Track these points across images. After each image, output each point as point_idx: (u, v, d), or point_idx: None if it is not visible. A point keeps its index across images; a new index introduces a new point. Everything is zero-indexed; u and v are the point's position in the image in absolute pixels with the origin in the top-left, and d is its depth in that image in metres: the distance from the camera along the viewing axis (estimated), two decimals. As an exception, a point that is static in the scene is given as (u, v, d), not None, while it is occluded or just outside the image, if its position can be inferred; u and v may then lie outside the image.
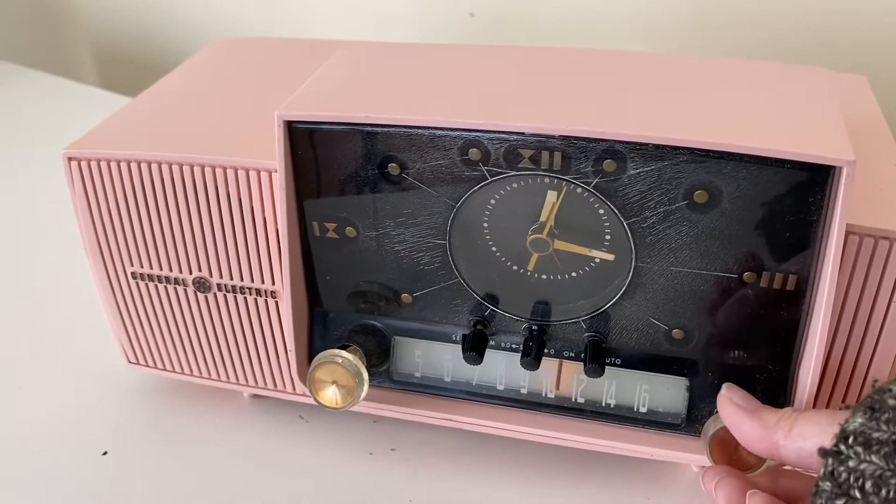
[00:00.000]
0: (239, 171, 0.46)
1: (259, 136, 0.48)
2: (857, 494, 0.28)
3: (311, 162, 0.44)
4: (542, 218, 0.43)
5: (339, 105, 0.43)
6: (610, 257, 0.44)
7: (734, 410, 0.39)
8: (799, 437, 0.35)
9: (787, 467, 0.41)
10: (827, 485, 0.30)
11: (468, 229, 0.45)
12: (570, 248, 0.44)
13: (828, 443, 0.31)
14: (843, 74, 0.54)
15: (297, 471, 0.53)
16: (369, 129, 0.42)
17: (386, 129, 0.42)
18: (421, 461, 0.53)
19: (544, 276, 0.46)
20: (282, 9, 1.07)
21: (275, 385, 0.54)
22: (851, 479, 0.29)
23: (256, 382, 0.55)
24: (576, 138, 0.39)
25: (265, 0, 1.08)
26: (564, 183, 0.42)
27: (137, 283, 0.52)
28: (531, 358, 0.45)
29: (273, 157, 0.45)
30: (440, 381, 0.50)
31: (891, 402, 0.30)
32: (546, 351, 0.47)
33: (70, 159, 0.49)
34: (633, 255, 0.42)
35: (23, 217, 0.84)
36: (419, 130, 0.41)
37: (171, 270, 0.51)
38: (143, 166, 0.47)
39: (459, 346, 0.49)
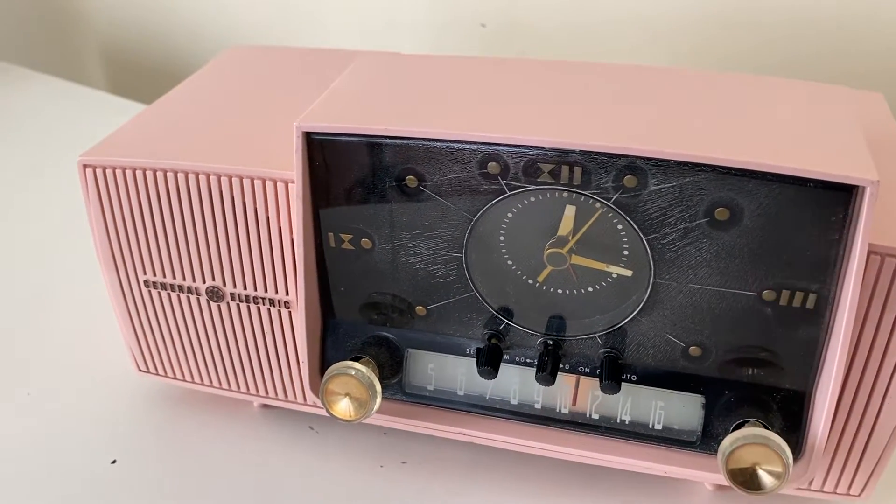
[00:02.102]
0: (255, 181, 0.46)
1: (275, 145, 0.48)
2: None
3: (328, 173, 0.44)
4: (560, 232, 0.43)
5: (359, 117, 0.42)
6: (628, 273, 0.43)
7: None
8: None
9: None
10: None
11: (484, 242, 0.44)
12: (587, 263, 0.44)
13: None
14: (860, 92, 0.54)
15: (307, 482, 0.53)
16: (388, 141, 0.42)
17: (405, 142, 0.42)
18: (432, 475, 0.53)
19: (559, 291, 0.45)
20: (292, 15, 1.07)
21: (286, 395, 0.54)
22: None
23: (267, 392, 0.54)
24: (596, 153, 0.39)
25: (275, 6, 1.08)
26: (583, 198, 0.41)
27: (150, 292, 0.52)
28: (546, 373, 0.45)
29: (289, 167, 0.45)
30: (453, 394, 0.50)
31: None
32: (561, 366, 0.46)
33: (85, 166, 0.48)
34: (652, 272, 0.42)
35: (32, 222, 0.83)
36: (438, 143, 0.41)
37: (184, 279, 0.51)
38: (159, 175, 0.47)
39: (473, 360, 0.48)
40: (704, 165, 0.38)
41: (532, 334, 0.47)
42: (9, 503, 0.52)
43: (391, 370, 0.50)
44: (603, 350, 0.46)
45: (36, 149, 0.99)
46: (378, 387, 0.47)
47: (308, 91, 0.55)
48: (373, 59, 0.50)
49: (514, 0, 0.92)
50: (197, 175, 0.47)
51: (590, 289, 0.45)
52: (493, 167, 0.41)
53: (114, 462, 0.54)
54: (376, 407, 0.48)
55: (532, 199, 0.42)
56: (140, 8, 1.22)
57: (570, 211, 0.42)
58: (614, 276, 0.44)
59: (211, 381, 0.55)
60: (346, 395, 0.48)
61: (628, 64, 0.48)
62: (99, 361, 0.62)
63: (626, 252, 0.43)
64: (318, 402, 0.52)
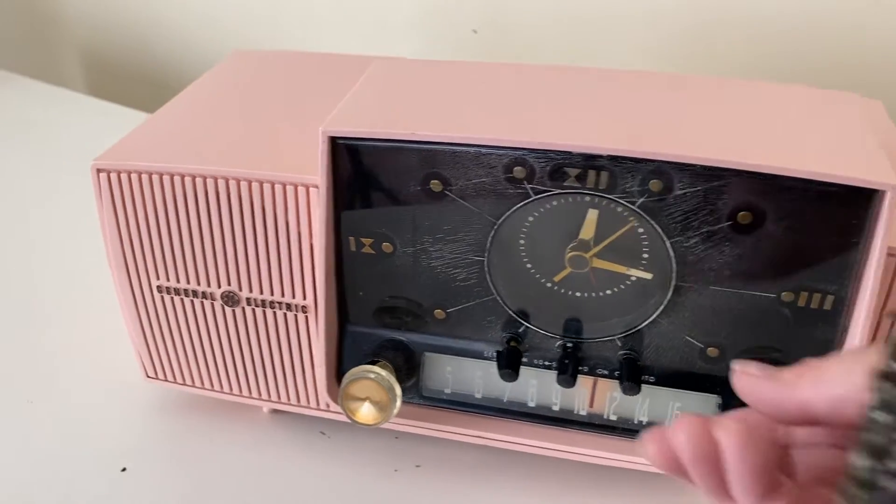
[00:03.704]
0: (276, 186, 0.46)
1: (292, 150, 0.48)
2: None
3: (352, 177, 0.44)
4: (582, 236, 0.44)
5: (384, 121, 0.43)
6: (647, 276, 0.44)
7: (750, 380, 0.32)
8: (829, 383, 0.29)
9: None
10: (881, 415, 0.24)
11: (505, 246, 0.45)
12: (608, 266, 0.44)
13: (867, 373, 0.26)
14: (864, 98, 0.55)
15: (320, 488, 0.53)
16: (414, 145, 0.42)
17: (431, 147, 0.42)
18: (447, 478, 0.53)
19: (578, 294, 0.46)
20: (281, 19, 1.07)
21: (298, 400, 0.54)
22: None
23: (279, 397, 0.54)
24: (623, 158, 0.40)
25: (263, 11, 1.07)
26: (606, 202, 0.42)
27: (162, 297, 0.51)
28: (567, 375, 0.46)
29: (309, 171, 0.45)
30: (471, 397, 0.50)
31: None
32: (580, 368, 0.47)
33: (99, 171, 0.48)
34: (674, 275, 0.43)
35: (19, 224, 0.82)
36: (464, 148, 0.42)
37: (198, 284, 0.50)
38: (176, 179, 0.47)
39: (490, 363, 0.49)
40: (730, 170, 0.39)
41: (550, 337, 0.47)
42: (20, 513, 0.51)
43: (406, 374, 0.50)
44: (622, 352, 0.46)
45: (16, 150, 0.98)
46: (398, 390, 0.48)
47: (320, 96, 0.55)
48: (389, 64, 0.50)
49: (505, 6, 0.92)
50: (216, 179, 0.46)
51: (608, 291, 0.45)
52: (518, 172, 0.42)
53: (123, 470, 0.54)
54: (396, 410, 0.48)
55: (554, 202, 0.43)
56: (119, 10, 1.20)
57: (592, 215, 0.43)
58: (633, 278, 0.45)
59: (221, 387, 0.55)
60: (366, 399, 0.48)
61: (645, 70, 0.48)
62: (104, 368, 0.61)
63: (645, 255, 0.44)
64: (333, 406, 0.52)
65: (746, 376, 0.33)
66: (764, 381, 0.32)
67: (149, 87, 1.23)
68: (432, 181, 0.43)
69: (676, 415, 0.48)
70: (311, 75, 0.59)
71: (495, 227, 0.44)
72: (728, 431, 0.29)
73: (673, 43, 0.84)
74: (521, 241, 0.45)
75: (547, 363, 0.48)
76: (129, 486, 0.53)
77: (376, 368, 0.48)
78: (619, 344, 0.46)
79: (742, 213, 0.40)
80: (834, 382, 0.29)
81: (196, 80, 0.59)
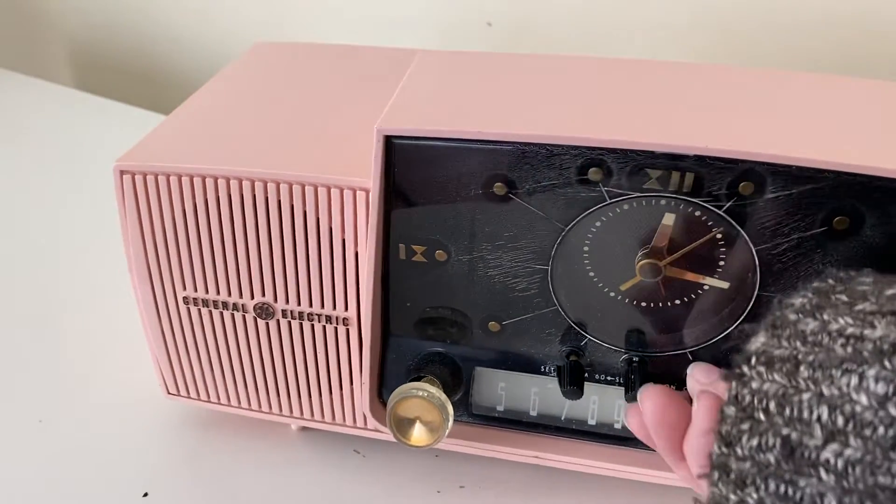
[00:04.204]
0: (319, 189, 0.42)
1: (331, 149, 0.44)
2: (762, 416, 0.26)
3: (407, 180, 0.40)
4: (656, 243, 0.40)
5: (445, 118, 0.39)
6: (724, 285, 0.41)
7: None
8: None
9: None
10: (731, 410, 0.28)
11: (570, 253, 0.41)
12: (681, 274, 0.41)
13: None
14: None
15: (358, 511, 0.49)
16: (479, 145, 0.38)
17: (497, 146, 0.38)
18: (495, 500, 0.50)
19: (644, 304, 0.43)
20: (283, 11, 1.02)
21: (333, 417, 0.50)
22: (755, 401, 0.27)
23: (313, 415, 0.50)
24: (713, 158, 0.36)
25: (258, 3, 1.03)
26: (683, 205, 0.39)
27: (189, 309, 0.47)
28: (637, 392, 0.42)
29: (355, 173, 0.42)
30: (525, 415, 0.47)
31: (791, 316, 0.28)
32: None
33: (122, 172, 0.44)
34: (757, 284, 0.40)
35: (17, 224, 0.77)
36: (534, 147, 0.38)
37: (229, 295, 0.46)
38: (208, 181, 0.43)
39: (547, 378, 0.45)
40: (828, 172, 0.36)
41: (615, 350, 0.44)
42: (35, 546, 0.47)
43: (451, 390, 0.47)
44: (695, 367, 0.43)
45: (3, 147, 0.93)
46: (450, 408, 0.44)
47: (356, 90, 0.51)
48: (436, 57, 0.46)
49: (520, -2, 0.89)
50: (252, 182, 0.42)
51: (676, 301, 0.42)
52: (594, 173, 0.38)
53: (145, 495, 0.50)
54: (448, 430, 0.44)
55: (625, 206, 0.40)
56: (107, 2, 1.15)
57: (668, 219, 0.40)
58: (706, 287, 0.41)
59: (250, 404, 0.51)
60: (416, 418, 0.44)
61: (708, 64, 0.45)
62: (121, 385, 0.57)
63: (721, 263, 0.40)
64: (369, 423, 0.48)
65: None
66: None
67: (138, 81, 1.18)
68: (496, 184, 0.39)
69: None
70: (340, 68, 0.55)
71: (563, 233, 0.40)
72: (702, 397, 0.33)
73: (693, 34, 0.81)
74: (586, 248, 0.41)
75: (610, 378, 0.45)
76: (152, 513, 0.49)
77: (426, 385, 0.44)
78: (691, 358, 0.43)
79: (838, 218, 0.37)
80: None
81: (216, 73, 0.55)
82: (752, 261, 0.39)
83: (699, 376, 0.38)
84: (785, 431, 0.25)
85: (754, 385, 0.27)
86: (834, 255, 0.38)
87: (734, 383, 0.28)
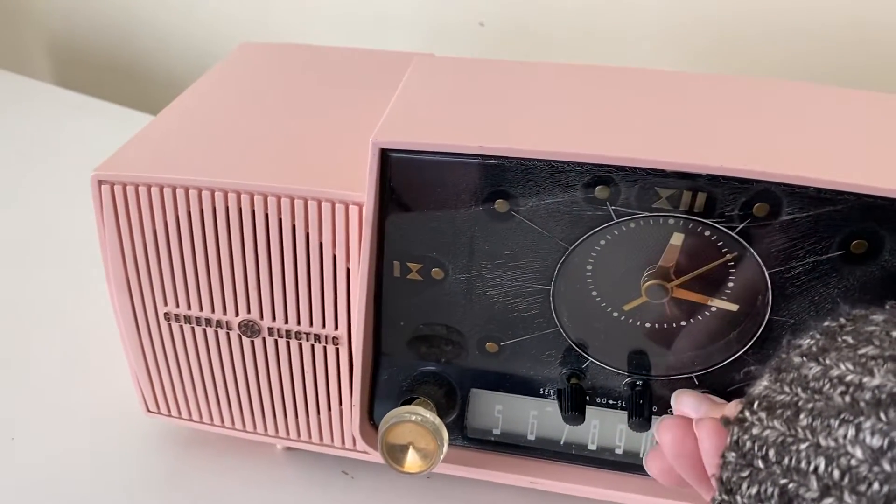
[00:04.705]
0: (309, 202, 0.40)
1: (322, 160, 0.42)
2: (761, 464, 0.26)
3: (403, 194, 0.38)
4: (663, 263, 0.38)
5: (445, 131, 0.37)
6: (732, 307, 0.39)
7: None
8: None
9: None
10: (732, 455, 0.27)
11: (573, 273, 0.40)
12: (689, 296, 0.39)
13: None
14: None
15: (348, 536, 0.47)
16: (480, 160, 0.36)
17: (500, 161, 0.36)
18: (488, 524, 0.48)
19: (648, 325, 0.41)
20: (270, 7, 1.00)
21: (320, 438, 0.48)
22: (755, 448, 0.26)
23: (299, 435, 0.48)
24: (726, 178, 0.35)
25: (245, 1, 1.00)
26: (696, 225, 0.37)
27: (170, 325, 0.45)
28: (642, 418, 0.41)
29: (346, 185, 0.40)
30: (522, 438, 0.45)
31: (796, 360, 0.27)
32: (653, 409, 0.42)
33: (101, 182, 0.41)
34: (769, 308, 0.38)
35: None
36: (539, 163, 0.36)
37: (212, 312, 0.44)
38: (192, 193, 0.41)
39: (546, 401, 0.44)
40: (849, 193, 0.34)
41: (618, 373, 0.42)
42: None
43: (446, 411, 0.45)
44: (700, 391, 0.41)
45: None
46: (445, 434, 0.42)
47: (348, 96, 0.49)
48: (433, 63, 0.44)
49: (514, -2, 0.87)
50: (238, 194, 0.40)
51: (682, 323, 0.40)
52: (601, 191, 0.36)
53: (123, 518, 0.47)
54: (443, 456, 0.42)
55: (632, 224, 0.38)
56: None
57: (676, 239, 0.38)
58: (713, 309, 0.40)
59: (233, 423, 0.49)
60: (409, 444, 0.42)
61: (719, 74, 0.43)
62: (98, 400, 0.55)
63: (731, 284, 0.39)
64: (358, 444, 0.46)
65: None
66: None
67: (119, 79, 1.15)
68: (497, 200, 0.37)
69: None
70: (330, 72, 0.53)
71: (566, 252, 0.38)
72: (702, 426, 0.32)
73: (690, 36, 0.80)
74: (589, 267, 0.39)
75: (612, 402, 0.43)
76: (129, 538, 0.46)
77: (419, 409, 0.42)
78: (697, 382, 0.41)
79: (856, 241, 0.35)
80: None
81: (202, 75, 0.53)
82: (763, 283, 0.37)
83: (688, 411, 0.36)
84: (783, 482, 0.25)
85: (755, 431, 0.27)
86: (850, 279, 0.36)
87: (735, 428, 0.27)
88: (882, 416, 0.23)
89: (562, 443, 0.45)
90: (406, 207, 0.38)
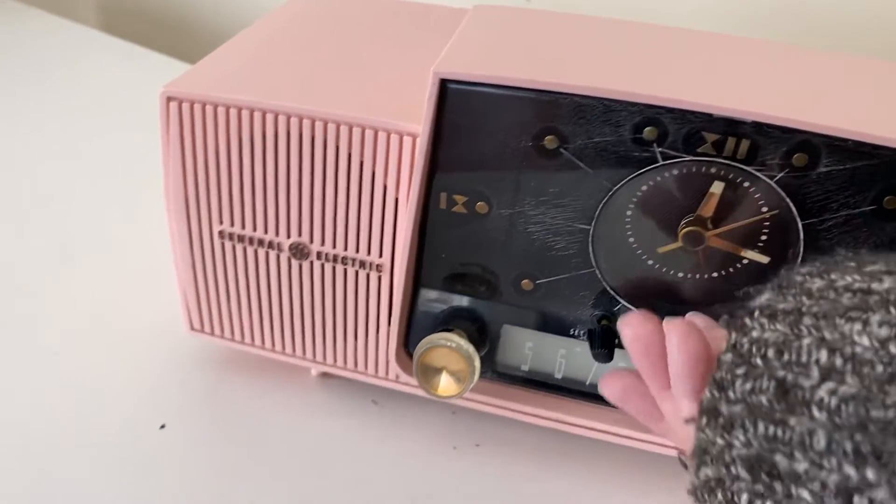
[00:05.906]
0: (367, 131, 0.42)
1: (383, 93, 0.44)
2: (759, 362, 0.26)
3: (457, 126, 0.40)
4: (702, 211, 0.40)
5: (503, 66, 0.39)
6: (764, 259, 0.41)
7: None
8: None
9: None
10: (727, 356, 0.27)
11: (613, 215, 0.41)
12: (724, 245, 0.41)
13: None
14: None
15: (368, 458, 0.49)
16: (535, 94, 0.38)
17: (554, 97, 0.38)
18: (508, 459, 0.50)
19: (680, 274, 0.43)
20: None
21: (355, 365, 0.50)
22: (753, 349, 0.26)
23: (335, 360, 0.50)
24: (770, 126, 0.36)
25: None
26: (737, 173, 0.38)
27: (223, 244, 0.47)
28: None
29: (403, 118, 0.41)
30: (550, 377, 0.47)
31: (797, 278, 0.28)
32: (678, 353, 0.44)
33: (169, 99, 0.44)
34: (799, 260, 0.40)
35: (48, 161, 0.77)
36: (592, 100, 0.38)
37: (265, 232, 0.46)
38: (256, 115, 0.43)
39: (576, 341, 0.45)
40: (885, 148, 0.36)
41: (647, 318, 0.44)
42: (55, 469, 0.47)
43: (478, 346, 0.47)
44: (725, 339, 0.43)
45: (30, 83, 0.92)
46: (477, 360, 0.44)
47: (406, 39, 0.51)
48: (495, 9, 0.46)
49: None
50: (300, 119, 0.42)
51: (714, 274, 0.42)
52: (649, 132, 0.38)
53: (163, 427, 0.50)
54: (475, 381, 0.44)
55: (675, 170, 0.39)
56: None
57: (717, 187, 0.39)
58: (745, 261, 0.41)
59: (273, 345, 0.51)
60: (443, 368, 0.44)
61: (767, 40, 0.45)
62: (139, 319, 0.57)
63: (764, 236, 0.40)
64: (390, 373, 0.48)
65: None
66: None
67: (165, 29, 1.18)
68: (547, 137, 0.39)
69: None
70: (390, 19, 0.55)
71: (610, 193, 0.40)
72: (672, 324, 0.32)
73: (722, 11, 0.81)
74: (629, 212, 0.41)
75: (639, 345, 0.45)
76: (167, 444, 0.49)
77: (454, 336, 0.44)
78: (723, 330, 0.43)
79: (889, 197, 0.37)
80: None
81: (268, 12, 0.55)
82: (796, 235, 0.39)
83: (698, 322, 0.35)
84: (780, 374, 0.25)
85: (754, 334, 0.26)
86: (880, 235, 0.38)
87: (734, 333, 0.27)
88: (892, 310, 0.23)
89: (588, 383, 0.47)
90: (459, 139, 0.40)
